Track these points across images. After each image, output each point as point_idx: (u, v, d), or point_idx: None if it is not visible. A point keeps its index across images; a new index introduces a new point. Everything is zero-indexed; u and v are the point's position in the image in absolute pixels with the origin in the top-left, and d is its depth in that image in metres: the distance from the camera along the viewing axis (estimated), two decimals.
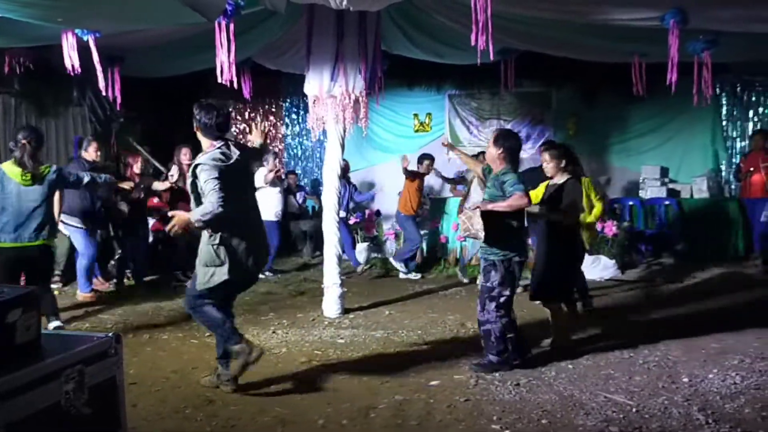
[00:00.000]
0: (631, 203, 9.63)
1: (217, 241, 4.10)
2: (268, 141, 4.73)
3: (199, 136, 4.29)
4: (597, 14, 5.54)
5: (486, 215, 4.65)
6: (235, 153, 4.24)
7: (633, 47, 6.73)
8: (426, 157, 8.74)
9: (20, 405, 2.02)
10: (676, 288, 7.70)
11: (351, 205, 9.59)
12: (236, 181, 4.18)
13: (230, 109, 4.28)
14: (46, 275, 5.80)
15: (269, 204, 8.25)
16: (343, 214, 8.52)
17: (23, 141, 5.36)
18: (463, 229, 4.93)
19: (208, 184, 4.00)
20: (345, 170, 8.13)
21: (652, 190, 9.74)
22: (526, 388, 4.44)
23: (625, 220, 9.12)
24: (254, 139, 4.88)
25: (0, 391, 1.95)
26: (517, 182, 4.61)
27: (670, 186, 9.86)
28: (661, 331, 5.77)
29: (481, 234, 4.68)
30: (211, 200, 3.96)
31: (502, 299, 4.69)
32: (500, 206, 4.63)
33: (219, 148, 4.19)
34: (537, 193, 5.48)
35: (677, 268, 8.65)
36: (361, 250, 9.30)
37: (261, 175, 8.35)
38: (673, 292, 7.53)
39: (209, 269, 4.14)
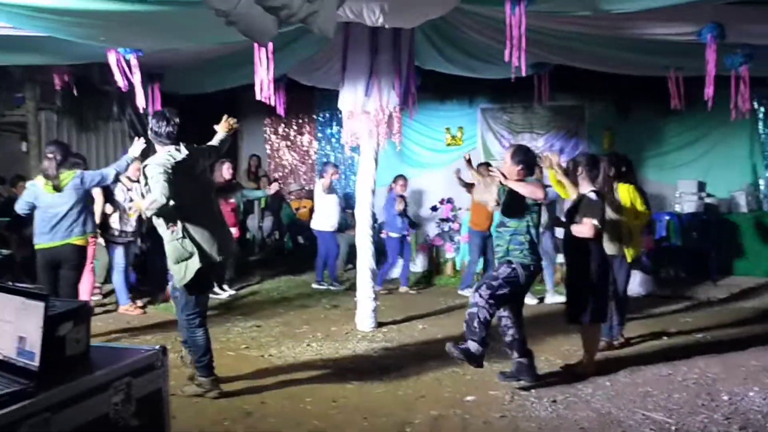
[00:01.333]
0: (667, 218, 9.50)
1: (180, 235, 4.41)
2: (229, 133, 4.98)
3: (154, 142, 4.60)
4: (634, 29, 5.54)
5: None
6: (184, 153, 4.49)
7: (669, 61, 6.69)
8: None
9: (70, 416, 2.06)
10: (714, 304, 7.58)
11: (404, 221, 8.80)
12: (188, 176, 4.46)
13: (176, 119, 4.54)
14: (76, 273, 5.98)
15: (326, 214, 8.32)
16: (403, 232, 8.52)
17: (49, 155, 5.85)
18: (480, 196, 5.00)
19: (153, 179, 4.30)
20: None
21: (689, 205, 9.60)
22: (563, 404, 4.41)
23: (661, 234, 9.00)
24: (219, 130, 5.00)
25: (51, 402, 1.99)
26: (533, 180, 4.76)
27: (707, 200, 9.70)
28: (699, 347, 5.69)
29: (492, 204, 4.87)
30: (155, 191, 4.26)
31: (498, 292, 4.61)
32: (517, 185, 4.65)
33: (168, 152, 4.46)
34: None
35: (713, 284, 8.50)
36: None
37: (320, 186, 8.48)
38: (711, 307, 7.41)
39: (182, 264, 4.44)
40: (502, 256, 4.77)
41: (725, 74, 5.94)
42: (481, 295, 4.59)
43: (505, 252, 4.75)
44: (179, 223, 4.41)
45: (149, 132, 4.59)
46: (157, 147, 4.57)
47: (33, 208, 5.80)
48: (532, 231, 4.75)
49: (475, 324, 4.56)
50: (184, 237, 4.40)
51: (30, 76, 8.33)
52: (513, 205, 4.76)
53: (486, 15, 5.76)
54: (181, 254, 4.41)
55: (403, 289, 8.51)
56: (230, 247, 4.83)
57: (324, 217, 8.52)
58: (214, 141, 4.98)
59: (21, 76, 8.40)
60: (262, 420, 4.20)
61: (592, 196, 5.00)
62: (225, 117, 5.07)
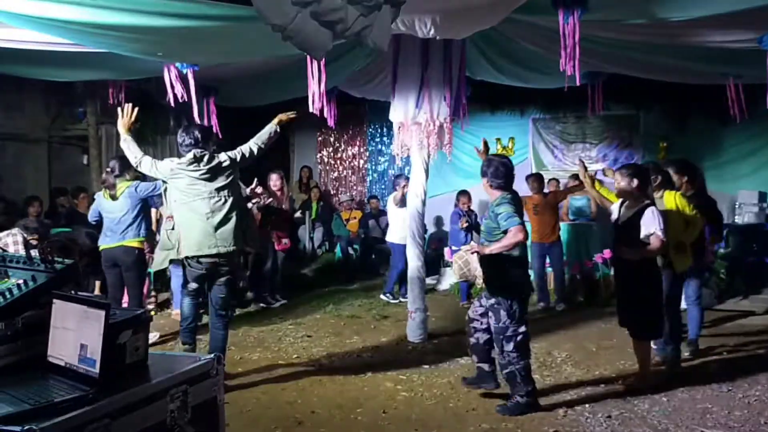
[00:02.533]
0: (727, 230, 9.22)
1: (170, 227, 4.96)
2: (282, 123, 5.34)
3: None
4: (691, 37, 5.41)
5: (484, 257, 4.51)
6: (196, 163, 4.89)
7: (727, 69, 6.50)
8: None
9: (129, 423, 2.11)
10: None
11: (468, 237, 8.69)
12: (192, 183, 4.89)
13: (193, 132, 4.94)
14: (134, 274, 6.26)
15: (399, 227, 8.32)
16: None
17: (108, 169, 6.55)
18: (458, 273, 4.86)
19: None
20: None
21: (749, 216, 9.31)
22: (618, 420, 4.31)
23: (721, 246, 8.73)
24: (275, 120, 5.30)
25: (112, 408, 2.04)
26: (511, 215, 4.34)
27: None
28: (761, 364, 5.49)
29: (479, 279, 4.61)
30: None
31: (518, 338, 4.43)
32: (496, 248, 4.39)
33: (186, 157, 4.96)
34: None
35: None
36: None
37: (391, 199, 8.61)
38: None
39: (163, 252, 5.02)
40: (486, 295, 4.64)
41: None
42: (507, 353, 4.45)
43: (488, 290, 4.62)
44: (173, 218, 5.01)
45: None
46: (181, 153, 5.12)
47: (100, 215, 6.39)
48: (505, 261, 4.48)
49: (518, 380, 4.47)
50: (172, 230, 4.96)
51: (91, 92, 8.63)
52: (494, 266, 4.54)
53: (538, 24, 5.71)
54: (165, 244, 5.05)
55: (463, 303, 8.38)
56: (207, 247, 4.91)
57: (396, 230, 8.50)
58: (259, 136, 5.23)
59: (83, 91, 8.71)
60: (313, 429, 4.22)
61: (653, 209, 4.82)
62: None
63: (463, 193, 8.81)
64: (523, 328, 4.48)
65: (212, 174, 4.91)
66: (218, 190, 4.91)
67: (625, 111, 10.30)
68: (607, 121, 10.44)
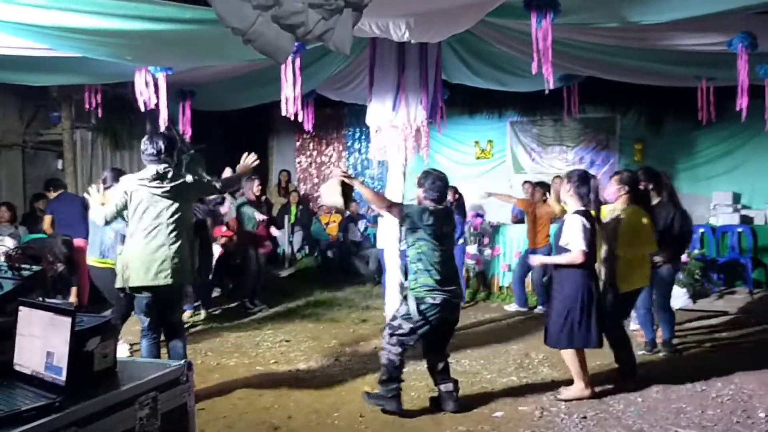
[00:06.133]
0: (701, 230, 9.33)
1: (119, 252, 4.72)
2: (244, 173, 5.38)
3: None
4: (663, 40, 5.48)
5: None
6: (158, 179, 4.59)
7: (700, 71, 6.60)
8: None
9: (97, 430, 2.09)
10: (750, 318, 7.40)
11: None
12: (148, 201, 4.59)
13: (158, 142, 4.66)
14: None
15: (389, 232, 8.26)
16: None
17: (100, 180, 6.14)
18: (329, 200, 4.92)
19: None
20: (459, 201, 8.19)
21: (724, 217, 9.43)
22: (593, 421, 4.34)
23: (695, 247, 8.83)
24: (238, 168, 5.26)
25: (78, 417, 2.02)
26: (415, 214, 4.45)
27: (743, 212, 9.53)
28: (735, 363, 5.55)
29: (340, 202, 4.70)
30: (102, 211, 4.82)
31: (399, 332, 4.48)
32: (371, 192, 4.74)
33: (148, 170, 4.66)
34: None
35: (751, 298, 8.32)
36: None
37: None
38: (747, 322, 7.24)
39: (118, 275, 4.65)
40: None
41: (759, 84, 5.84)
42: (385, 340, 4.55)
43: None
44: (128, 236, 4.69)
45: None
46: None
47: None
48: (424, 259, 4.46)
49: (382, 368, 4.55)
50: (120, 254, 4.69)
51: (66, 96, 8.55)
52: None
53: (513, 28, 5.75)
54: (120, 269, 4.65)
55: None
56: (162, 274, 4.57)
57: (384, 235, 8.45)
58: (223, 177, 5.23)
59: (57, 95, 8.63)
60: None
61: (576, 217, 4.68)
62: (246, 154, 5.23)
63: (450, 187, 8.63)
64: (407, 326, 4.45)
65: (174, 193, 4.64)
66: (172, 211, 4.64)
67: (602, 114, 10.41)
68: (583, 124, 10.54)
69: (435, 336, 4.60)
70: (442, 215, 4.55)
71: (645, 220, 5.28)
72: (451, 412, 4.51)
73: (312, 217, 11.23)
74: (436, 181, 4.59)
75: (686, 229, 5.99)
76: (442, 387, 4.61)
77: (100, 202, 4.89)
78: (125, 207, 4.67)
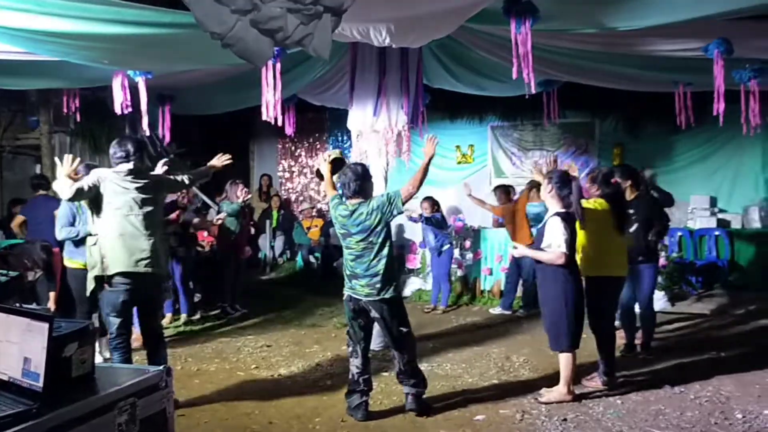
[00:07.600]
0: (679, 234, 9.45)
1: (93, 242, 4.66)
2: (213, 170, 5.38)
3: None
4: (640, 46, 5.55)
5: None
6: (129, 177, 4.60)
7: (678, 77, 6.69)
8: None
9: None
10: (728, 320, 7.49)
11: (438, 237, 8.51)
12: (119, 198, 4.56)
13: (126, 145, 4.71)
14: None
15: None
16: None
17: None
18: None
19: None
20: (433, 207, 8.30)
21: (702, 221, 9.56)
22: (573, 423, 4.37)
23: (673, 251, 8.94)
24: (210, 163, 5.32)
25: (55, 423, 2.01)
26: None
27: (720, 216, 9.65)
28: (713, 365, 5.62)
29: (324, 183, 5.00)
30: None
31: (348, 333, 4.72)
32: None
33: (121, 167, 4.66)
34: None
35: (729, 300, 8.42)
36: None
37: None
38: (725, 324, 7.32)
39: (96, 267, 4.57)
40: None
41: (736, 89, 5.93)
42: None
43: None
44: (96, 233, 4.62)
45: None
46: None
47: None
48: (349, 259, 4.54)
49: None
50: (94, 245, 4.61)
51: (44, 100, 8.47)
52: None
53: (493, 33, 5.80)
54: (90, 262, 4.63)
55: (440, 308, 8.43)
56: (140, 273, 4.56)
57: None
58: (193, 173, 5.23)
59: (36, 99, 8.54)
60: None
61: (557, 218, 4.71)
62: (220, 154, 5.28)
63: (426, 199, 8.67)
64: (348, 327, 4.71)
65: (146, 187, 4.66)
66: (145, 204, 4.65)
67: (581, 119, 10.49)
68: (563, 129, 10.61)
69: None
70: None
71: (605, 209, 5.16)
72: (414, 413, 4.56)
73: (293, 222, 11.20)
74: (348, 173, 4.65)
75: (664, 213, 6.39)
76: (404, 388, 4.66)
77: (67, 174, 4.70)
78: (94, 191, 4.54)
